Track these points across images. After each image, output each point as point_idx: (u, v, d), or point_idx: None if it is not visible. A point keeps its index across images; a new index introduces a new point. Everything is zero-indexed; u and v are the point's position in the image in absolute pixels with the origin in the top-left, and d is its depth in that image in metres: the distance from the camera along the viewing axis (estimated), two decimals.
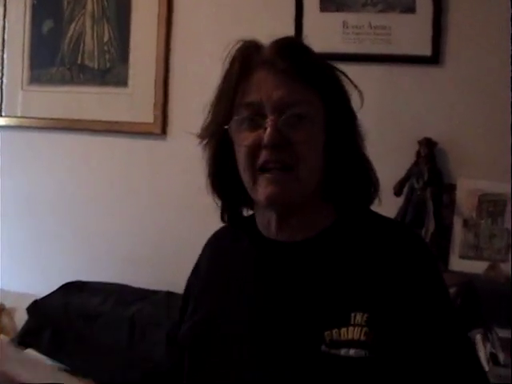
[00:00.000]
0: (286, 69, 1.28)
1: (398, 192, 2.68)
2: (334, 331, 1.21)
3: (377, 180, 1.37)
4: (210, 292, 1.45)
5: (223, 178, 1.41)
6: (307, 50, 1.34)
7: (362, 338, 1.19)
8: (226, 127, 1.33)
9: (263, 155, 1.27)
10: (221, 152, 1.38)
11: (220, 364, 1.33)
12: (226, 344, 1.34)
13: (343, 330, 1.20)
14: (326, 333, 1.21)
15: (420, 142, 2.70)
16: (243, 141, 1.30)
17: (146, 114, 3.26)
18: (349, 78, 1.37)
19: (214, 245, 1.55)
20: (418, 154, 2.71)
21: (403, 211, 2.67)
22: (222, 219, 1.47)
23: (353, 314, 1.21)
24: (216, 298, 1.43)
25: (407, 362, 1.19)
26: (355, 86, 1.37)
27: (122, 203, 3.35)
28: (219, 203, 1.44)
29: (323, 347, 1.21)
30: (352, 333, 1.20)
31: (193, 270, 1.55)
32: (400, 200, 2.69)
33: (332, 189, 1.33)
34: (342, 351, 1.19)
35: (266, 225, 1.38)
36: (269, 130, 1.25)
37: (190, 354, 1.41)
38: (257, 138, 1.28)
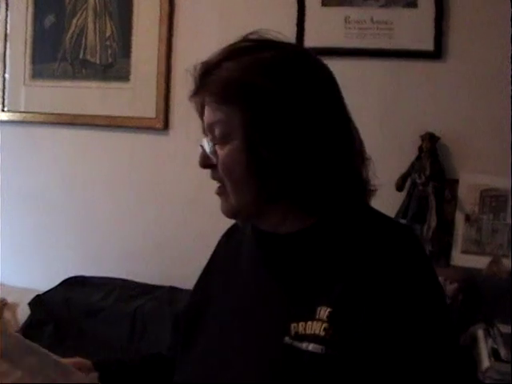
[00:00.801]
0: (205, 93, 1.31)
1: (399, 187, 2.68)
2: (300, 324, 1.21)
3: (357, 180, 1.32)
4: (209, 276, 1.51)
5: None
6: (222, 65, 1.31)
7: (322, 333, 1.17)
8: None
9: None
10: None
11: (203, 345, 1.38)
12: (211, 327, 1.39)
13: (309, 323, 1.20)
14: (292, 325, 1.21)
15: (422, 137, 2.70)
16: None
17: (148, 109, 3.26)
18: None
19: (228, 231, 1.58)
20: (420, 148, 2.71)
21: (405, 206, 2.67)
22: None
23: (319, 309, 1.20)
24: (211, 283, 1.48)
25: (363, 363, 1.15)
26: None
27: (124, 198, 3.36)
28: None
29: (287, 339, 1.21)
30: (314, 327, 1.19)
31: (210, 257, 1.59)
32: (402, 195, 2.69)
33: (305, 198, 1.29)
34: (304, 345, 1.19)
35: None
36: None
37: (183, 328, 1.47)
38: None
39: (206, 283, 1.51)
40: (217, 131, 1.28)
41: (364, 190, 1.33)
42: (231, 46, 1.34)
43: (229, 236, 1.57)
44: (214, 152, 1.29)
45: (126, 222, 3.36)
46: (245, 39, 1.36)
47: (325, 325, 1.17)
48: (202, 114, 1.36)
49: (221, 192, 1.32)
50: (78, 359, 1.50)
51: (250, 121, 1.24)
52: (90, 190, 3.43)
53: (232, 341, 1.32)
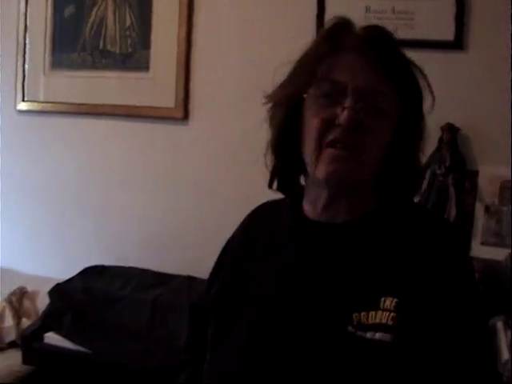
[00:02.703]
0: (372, 58, 1.29)
1: None
2: (362, 314, 1.22)
3: (421, 180, 1.42)
4: (243, 260, 1.47)
5: (285, 144, 1.40)
6: (396, 43, 1.35)
7: (390, 322, 1.20)
8: (304, 95, 1.34)
9: (334, 133, 1.29)
10: (289, 119, 1.37)
11: (244, 332, 1.36)
12: (251, 314, 1.37)
13: (372, 313, 1.22)
14: (354, 314, 1.23)
15: (442, 128, 2.69)
16: (318, 113, 1.31)
17: (167, 99, 3.26)
18: (425, 77, 1.38)
19: (255, 215, 1.56)
20: (441, 139, 2.69)
21: (425, 197, 2.66)
22: (270, 186, 1.47)
23: (382, 299, 1.22)
24: (248, 267, 1.44)
25: (430, 350, 1.19)
26: (429, 88, 1.39)
27: (143, 188, 3.37)
28: (270, 169, 1.45)
29: (350, 328, 1.22)
30: (380, 317, 1.21)
31: (228, 240, 1.56)
32: (422, 186, 2.68)
33: (382, 181, 1.35)
34: (368, 334, 1.20)
35: (313, 202, 1.39)
36: (347, 111, 1.27)
37: (216, 316, 1.43)
38: (332, 114, 1.29)
39: (238, 270, 1.47)
40: (380, 101, 1.29)
41: (418, 189, 1.43)
42: (381, 28, 1.38)
43: (258, 219, 1.55)
44: (368, 116, 1.28)
45: (145, 211, 3.37)
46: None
47: (392, 314, 1.20)
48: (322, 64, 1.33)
49: (347, 155, 1.28)
50: None
51: (405, 105, 1.32)
52: (109, 179, 3.44)
53: (281, 330, 1.30)
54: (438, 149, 2.69)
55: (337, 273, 1.30)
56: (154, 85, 3.29)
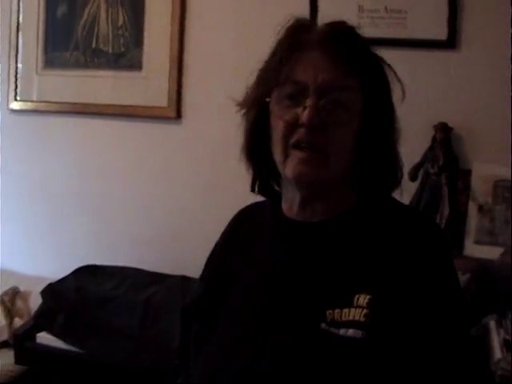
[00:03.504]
0: (335, 54, 1.30)
1: (412, 177, 2.67)
2: (336, 311, 1.24)
3: (401, 175, 1.40)
4: (227, 259, 1.50)
5: (257, 148, 1.43)
6: (357, 37, 1.36)
7: (362, 319, 1.21)
8: (267, 99, 1.36)
9: (298, 133, 1.30)
10: (258, 123, 1.40)
11: (226, 330, 1.38)
12: (233, 312, 1.39)
13: (345, 310, 1.23)
14: (328, 311, 1.24)
15: (436, 127, 2.69)
16: (282, 115, 1.32)
17: (160, 98, 3.26)
18: (393, 70, 1.41)
19: (239, 218, 1.58)
20: (434, 138, 2.70)
21: (418, 196, 2.66)
22: (252, 190, 1.49)
23: (356, 296, 1.23)
24: (231, 266, 1.47)
25: (402, 347, 1.20)
26: (398, 80, 1.41)
27: (136, 187, 3.36)
28: (251, 173, 1.48)
29: (323, 325, 1.23)
30: (353, 314, 1.22)
31: (216, 242, 1.59)
32: (415, 185, 2.68)
33: (356, 177, 1.36)
34: (341, 331, 1.22)
35: (289, 202, 1.41)
36: (308, 110, 1.28)
37: (200, 315, 1.46)
38: (295, 116, 1.30)
39: (221, 269, 1.50)
40: (343, 96, 1.29)
41: (397, 184, 1.41)
42: (343, 23, 1.39)
43: (242, 220, 1.57)
44: (330, 113, 1.29)
45: (138, 211, 3.36)
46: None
47: (365, 311, 1.21)
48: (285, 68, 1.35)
49: (310, 157, 1.30)
50: None
51: (370, 97, 1.32)
52: (102, 179, 3.44)
53: (259, 326, 1.32)
54: (431, 148, 2.69)
55: (312, 271, 1.31)
56: (147, 84, 3.29)
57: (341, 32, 1.34)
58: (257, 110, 1.39)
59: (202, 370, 1.39)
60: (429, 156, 2.68)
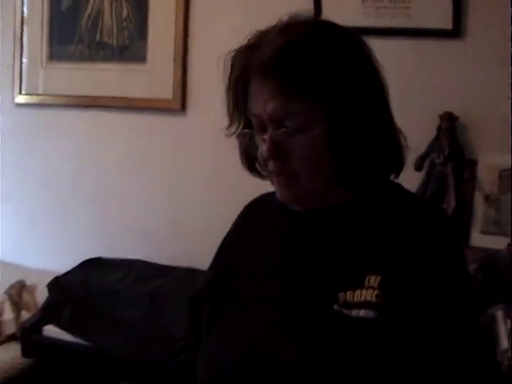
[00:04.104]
0: (279, 80, 1.26)
1: (418, 167, 2.66)
2: (348, 293, 1.24)
3: (401, 155, 1.37)
4: (236, 249, 1.51)
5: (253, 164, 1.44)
6: (305, 53, 1.27)
7: (373, 299, 1.21)
8: (245, 131, 1.37)
9: (269, 165, 1.31)
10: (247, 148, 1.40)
11: (235, 316, 1.39)
12: (242, 298, 1.40)
13: (357, 292, 1.23)
14: (340, 294, 1.24)
15: (441, 116, 2.68)
16: (258, 148, 1.34)
17: (165, 91, 3.25)
18: (368, 51, 1.36)
19: (250, 208, 1.59)
20: (439, 128, 2.69)
21: (424, 186, 2.65)
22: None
23: (367, 277, 1.24)
24: (240, 254, 1.48)
25: (414, 327, 1.21)
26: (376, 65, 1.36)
27: (142, 180, 3.36)
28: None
29: (335, 306, 1.24)
30: (365, 295, 1.22)
31: (227, 232, 1.59)
32: (421, 175, 2.68)
33: (347, 172, 1.32)
34: (353, 312, 1.22)
35: None
36: (265, 144, 1.29)
37: (209, 302, 1.46)
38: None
39: (230, 257, 1.51)
40: (291, 122, 1.26)
41: (400, 165, 1.37)
42: (289, 29, 1.31)
43: (252, 210, 1.58)
44: (285, 141, 1.28)
45: (145, 202, 3.36)
46: (296, 21, 1.34)
47: (376, 292, 1.22)
48: (242, 99, 1.35)
49: (286, 181, 1.31)
50: None
51: (332, 110, 1.26)
52: (109, 171, 3.44)
53: (269, 311, 1.33)
54: (437, 138, 2.68)
55: (324, 254, 1.32)
56: (152, 76, 3.28)
57: (282, 54, 1.26)
58: (240, 137, 1.40)
59: (209, 358, 1.40)
60: (434, 146, 2.67)
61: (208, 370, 1.39)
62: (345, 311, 1.23)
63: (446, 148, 2.64)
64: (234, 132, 1.40)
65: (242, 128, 1.38)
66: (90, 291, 2.94)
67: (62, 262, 3.23)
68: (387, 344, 1.20)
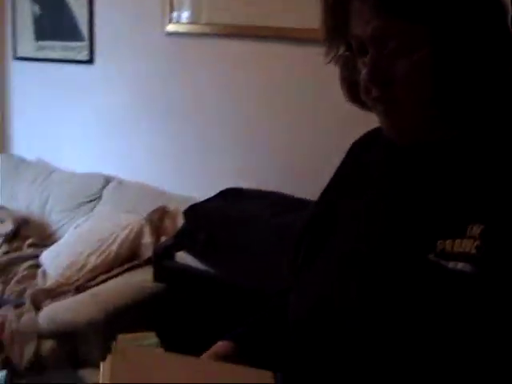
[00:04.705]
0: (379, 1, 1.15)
1: None
2: (447, 241, 1.12)
3: None
4: (339, 187, 1.43)
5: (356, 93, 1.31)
6: None
7: (473, 251, 1.09)
8: (345, 54, 1.26)
9: (372, 91, 1.20)
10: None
11: (331, 255, 1.30)
12: (339, 237, 1.31)
13: (457, 241, 1.11)
14: (439, 241, 1.13)
15: None
16: (357, 75, 1.23)
17: (316, 19, 3.12)
18: None
19: (358, 143, 1.49)
20: None
21: None
22: None
23: (470, 226, 1.11)
24: (341, 193, 1.39)
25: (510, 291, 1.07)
26: None
27: (287, 113, 3.30)
28: None
29: (432, 256, 1.12)
30: (464, 245, 1.10)
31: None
32: None
33: (452, 104, 1.19)
34: (450, 264, 1.10)
35: None
36: (366, 69, 1.18)
37: (307, 239, 1.38)
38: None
39: (331, 195, 1.42)
40: (393, 43, 1.15)
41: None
42: None
43: (359, 146, 1.47)
44: (387, 65, 1.17)
45: (289, 136, 3.30)
46: None
47: (477, 242, 1.09)
48: (334, 15, 1.23)
49: (388, 109, 1.20)
50: (218, 347, 1.40)
51: (438, 32, 1.14)
52: (254, 103, 3.41)
53: (363, 254, 1.24)
54: None
55: (425, 196, 1.20)
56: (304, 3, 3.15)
57: None
58: (341, 64, 1.28)
59: (302, 296, 1.32)
60: None
61: (301, 309, 1.31)
62: (441, 262, 1.11)
63: None
64: (333, 57, 1.28)
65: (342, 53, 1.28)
66: (225, 220, 2.92)
67: (206, 192, 3.22)
68: (480, 304, 1.07)
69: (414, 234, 1.18)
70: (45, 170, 4.33)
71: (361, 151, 1.45)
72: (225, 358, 1.34)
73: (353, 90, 1.28)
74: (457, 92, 1.15)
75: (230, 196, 3.11)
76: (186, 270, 2.85)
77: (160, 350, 1.25)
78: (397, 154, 1.28)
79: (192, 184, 3.54)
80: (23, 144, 4.66)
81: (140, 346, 1.26)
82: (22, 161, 4.55)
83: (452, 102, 1.17)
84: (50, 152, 4.43)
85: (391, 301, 1.14)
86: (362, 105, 1.28)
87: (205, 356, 1.34)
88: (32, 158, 4.51)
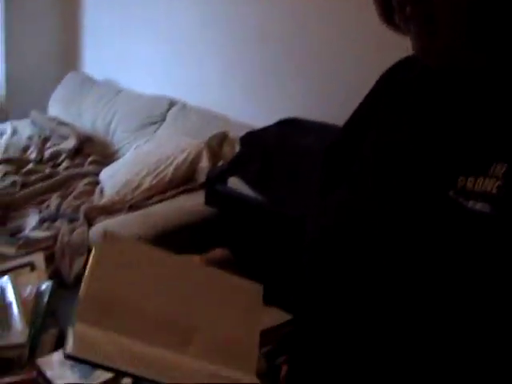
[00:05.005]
0: None
1: None
2: (469, 178, 1.06)
3: None
4: (368, 114, 1.36)
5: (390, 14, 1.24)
6: None
7: (494, 190, 1.03)
8: None
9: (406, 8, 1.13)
10: None
11: (350, 186, 1.26)
12: (359, 165, 1.27)
13: (480, 179, 1.05)
14: (460, 178, 1.07)
15: None
16: None
17: None
18: None
19: (393, 70, 1.39)
20: None
21: None
22: None
23: (494, 164, 1.05)
24: (364, 120, 1.34)
25: None
26: None
27: (351, 45, 3.21)
28: None
29: (451, 193, 1.07)
30: (486, 184, 1.04)
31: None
32: None
33: (486, 31, 1.12)
34: (470, 203, 1.04)
35: None
36: None
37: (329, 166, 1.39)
38: None
39: (360, 120, 1.36)
40: None
41: None
42: None
43: (392, 73, 1.38)
44: None
45: (352, 70, 3.22)
46: None
47: (499, 182, 1.03)
48: None
49: (420, 29, 1.13)
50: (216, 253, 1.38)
51: None
52: (320, 33, 3.32)
53: (382, 185, 1.19)
54: None
55: (452, 130, 1.15)
56: None
57: None
58: None
59: (318, 227, 1.27)
60: None
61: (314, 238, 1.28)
62: (461, 200, 1.06)
63: None
64: None
65: None
66: (280, 148, 2.89)
67: (269, 121, 3.19)
68: (495, 247, 1.02)
69: (437, 167, 1.13)
70: (112, 90, 4.37)
71: (392, 80, 1.38)
72: (219, 263, 1.30)
73: (387, 11, 1.23)
74: (492, 17, 1.08)
75: (288, 126, 3.08)
76: (236, 195, 2.84)
77: (151, 246, 1.20)
78: (428, 84, 1.23)
79: (256, 112, 3.51)
80: (93, 63, 4.69)
81: (129, 238, 1.25)
82: (90, 79, 4.59)
83: (485, 30, 1.10)
84: (119, 72, 4.46)
85: (407, 232, 1.10)
86: (396, 27, 1.23)
87: (197, 258, 1.32)
88: (100, 78, 4.55)
